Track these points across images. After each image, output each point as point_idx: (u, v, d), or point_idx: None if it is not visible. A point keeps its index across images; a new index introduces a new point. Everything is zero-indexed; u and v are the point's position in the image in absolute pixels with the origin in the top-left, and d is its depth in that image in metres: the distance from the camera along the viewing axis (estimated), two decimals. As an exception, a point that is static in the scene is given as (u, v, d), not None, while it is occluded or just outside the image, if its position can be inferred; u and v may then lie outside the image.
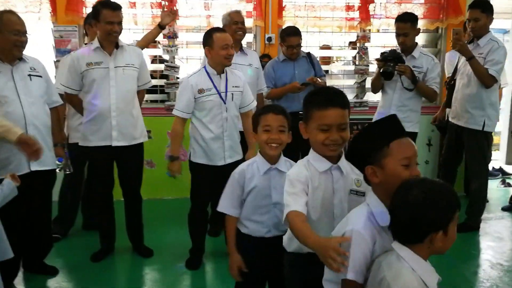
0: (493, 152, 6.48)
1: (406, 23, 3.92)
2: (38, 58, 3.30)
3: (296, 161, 2.00)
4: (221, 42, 3.23)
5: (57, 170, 3.36)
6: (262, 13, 4.88)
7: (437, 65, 4.02)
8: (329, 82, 5.23)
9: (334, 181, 1.85)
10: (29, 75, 3.06)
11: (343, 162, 1.86)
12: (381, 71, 3.94)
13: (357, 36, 5.09)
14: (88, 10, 4.45)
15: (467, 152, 4.25)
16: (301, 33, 4.46)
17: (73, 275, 3.42)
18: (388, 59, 3.88)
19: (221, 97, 3.31)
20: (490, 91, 3.99)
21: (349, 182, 1.87)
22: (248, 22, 4.90)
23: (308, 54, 4.61)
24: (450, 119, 4.36)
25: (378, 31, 5.44)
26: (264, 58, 4.83)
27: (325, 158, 1.84)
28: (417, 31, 4.00)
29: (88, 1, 4.68)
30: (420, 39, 5.43)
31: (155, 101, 5.10)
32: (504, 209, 4.77)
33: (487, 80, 3.90)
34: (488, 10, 3.96)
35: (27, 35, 3.04)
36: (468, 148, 4.18)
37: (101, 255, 3.61)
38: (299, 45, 4.41)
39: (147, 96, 4.93)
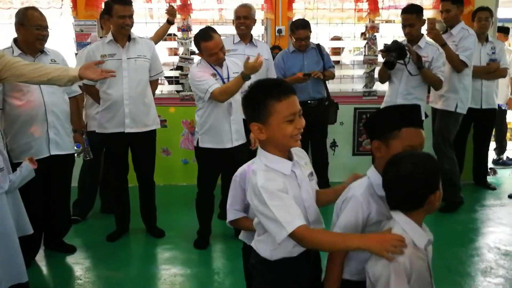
0: (508, 142, 6.56)
1: (411, 14, 4.05)
2: (60, 50, 3.56)
3: None
4: (208, 51, 3.39)
5: (76, 155, 3.61)
6: (273, 6, 5.04)
7: (442, 54, 4.11)
8: (339, 72, 5.36)
9: (298, 178, 1.76)
10: None
11: (293, 155, 1.78)
12: (384, 61, 4.06)
13: (366, 27, 5.20)
14: (106, 5, 4.69)
15: (437, 132, 4.50)
16: (310, 25, 4.61)
17: (90, 253, 3.67)
18: (391, 50, 3.99)
19: (224, 83, 3.48)
20: (462, 76, 4.33)
21: (303, 170, 1.80)
22: (260, 15, 5.07)
23: (318, 45, 4.76)
24: (429, 104, 4.59)
25: (388, 21, 5.53)
26: (275, 49, 4.98)
27: (282, 158, 1.72)
28: (423, 22, 4.11)
29: (106, -4, 4.92)
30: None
31: (171, 92, 5.32)
32: (510, 196, 4.82)
33: (458, 65, 4.27)
34: (458, 2, 4.37)
35: (48, 29, 3.28)
36: (439, 128, 4.46)
37: (116, 235, 3.86)
38: (308, 38, 4.56)
39: (163, 87, 5.18)
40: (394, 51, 3.98)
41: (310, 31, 4.59)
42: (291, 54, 4.69)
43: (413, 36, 4.09)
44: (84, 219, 4.28)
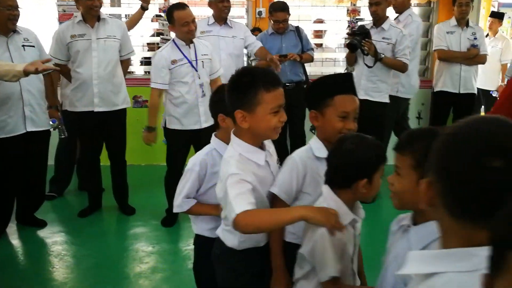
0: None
1: None
2: (44, 31, 3.65)
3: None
4: (181, 20, 3.45)
5: (51, 130, 3.71)
6: (253, -13, 5.04)
7: (406, 37, 4.13)
8: (321, 55, 5.38)
9: (271, 167, 1.78)
10: (23, 45, 3.41)
11: (264, 144, 1.77)
12: (347, 43, 4.10)
13: (347, 10, 5.19)
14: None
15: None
16: (289, 8, 4.62)
17: (60, 228, 3.78)
18: (356, 33, 4.02)
19: (192, 65, 3.54)
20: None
21: (274, 158, 1.84)
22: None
23: (297, 28, 4.77)
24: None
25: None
26: (255, 31, 5.00)
27: (256, 148, 1.72)
28: (389, 3, 4.15)
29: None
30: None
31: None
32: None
33: (402, 68, 4.17)
34: None
35: (19, 9, 3.35)
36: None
37: (88, 211, 3.96)
38: (286, 20, 4.57)
39: (145, 68, 5.24)
40: (359, 35, 4.00)
41: (289, 14, 4.60)
42: (269, 36, 4.71)
43: (379, 16, 4.13)
44: (61, 196, 4.38)
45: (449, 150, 0.85)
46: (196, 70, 3.54)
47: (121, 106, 3.81)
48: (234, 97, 1.68)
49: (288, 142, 4.99)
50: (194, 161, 2.03)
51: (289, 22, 4.87)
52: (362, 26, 4.09)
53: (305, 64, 5.04)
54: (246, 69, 1.73)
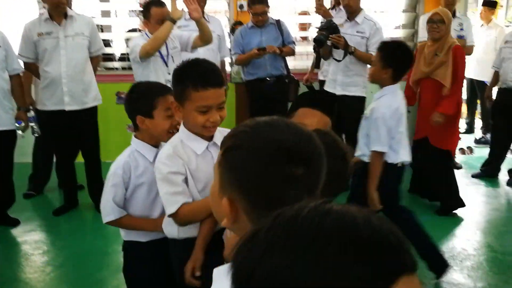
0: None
1: None
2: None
3: None
4: (157, 17, 3.39)
5: (19, 132, 3.70)
6: (234, -20, 4.96)
7: (379, 30, 4.02)
8: (306, 49, 5.28)
9: (214, 158, 1.71)
10: None
11: (217, 135, 1.74)
12: (313, 38, 3.99)
13: (331, 2, 5.08)
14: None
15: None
16: (268, 0, 4.55)
17: (34, 227, 3.78)
18: (323, 28, 3.92)
19: (164, 60, 3.48)
20: None
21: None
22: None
23: (278, 21, 4.69)
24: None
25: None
26: (236, 25, 4.93)
27: (199, 137, 1.72)
28: None
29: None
30: (399, 3, 5.36)
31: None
32: (474, 176, 4.74)
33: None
34: None
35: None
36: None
37: (62, 210, 3.95)
38: (265, 13, 4.50)
39: (123, 64, 5.20)
40: (325, 30, 3.90)
41: (268, 6, 4.53)
42: (249, 30, 4.64)
43: (352, 8, 4.02)
44: (40, 194, 4.38)
45: (242, 163, 0.83)
46: (167, 65, 3.48)
47: (91, 104, 3.78)
48: (173, 87, 1.74)
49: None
50: (117, 165, 1.94)
51: (273, 14, 4.81)
52: (329, 21, 3.98)
53: (289, 58, 4.98)
54: (189, 62, 1.70)
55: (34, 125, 3.88)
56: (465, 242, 3.41)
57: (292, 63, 5.27)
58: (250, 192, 0.82)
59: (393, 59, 2.69)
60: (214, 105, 1.64)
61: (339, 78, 4.09)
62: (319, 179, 0.84)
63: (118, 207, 1.93)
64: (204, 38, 3.47)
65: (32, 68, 3.76)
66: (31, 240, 3.55)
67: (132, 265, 2.04)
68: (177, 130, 1.80)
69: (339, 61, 4.02)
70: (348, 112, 4.05)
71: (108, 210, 1.93)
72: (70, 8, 4.04)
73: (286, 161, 0.80)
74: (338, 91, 4.13)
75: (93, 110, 3.82)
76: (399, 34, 5.53)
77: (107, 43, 5.25)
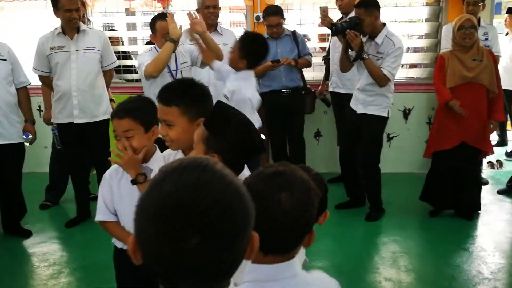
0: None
1: (360, 9, 3.74)
2: None
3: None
4: (162, 31, 3.37)
5: (27, 144, 3.75)
6: (251, -8, 4.93)
7: (396, 50, 3.73)
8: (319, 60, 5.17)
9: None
10: None
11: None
12: (330, 24, 3.83)
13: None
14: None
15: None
16: (283, 11, 4.50)
17: (45, 238, 3.81)
18: (346, 21, 3.78)
19: (172, 75, 3.45)
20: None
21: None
22: (240, 2, 5.00)
23: (293, 32, 4.63)
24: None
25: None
26: (253, 37, 4.88)
27: None
28: (374, 17, 3.73)
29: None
30: (422, 13, 5.21)
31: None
32: (499, 192, 4.52)
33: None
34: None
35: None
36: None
37: (74, 222, 3.98)
38: (279, 25, 4.45)
39: (135, 76, 5.23)
40: (347, 23, 3.75)
41: (283, 18, 4.47)
42: (265, 42, 4.59)
43: (364, 32, 3.76)
44: (56, 205, 4.44)
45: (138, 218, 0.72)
46: None
47: (102, 117, 3.80)
48: None
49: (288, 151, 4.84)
50: (110, 169, 2.04)
51: (292, 25, 4.75)
52: (355, 17, 3.76)
53: (308, 69, 4.90)
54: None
55: (56, 136, 3.95)
56: (482, 264, 3.22)
57: (311, 74, 5.20)
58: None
59: (248, 52, 2.98)
60: (161, 120, 1.83)
61: (361, 97, 3.93)
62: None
63: (108, 210, 2.00)
64: (211, 55, 3.40)
65: (47, 82, 3.83)
66: (40, 252, 3.58)
67: (118, 272, 2.12)
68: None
69: (352, 61, 3.86)
70: (366, 130, 3.95)
71: (99, 210, 2.02)
72: (85, 22, 4.11)
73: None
74: (360, 110, 3.98)
75: (104, 123, 3.84)
76: (422, 44, 5.38)
77: (128, 56, 5.34)
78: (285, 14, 4.55)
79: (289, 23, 4.95)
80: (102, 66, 3.80)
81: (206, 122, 1.53)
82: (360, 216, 4.03)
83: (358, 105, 3.98)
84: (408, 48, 5.56)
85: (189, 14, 3.32)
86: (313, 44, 5.67)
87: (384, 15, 4.13)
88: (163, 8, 5.02)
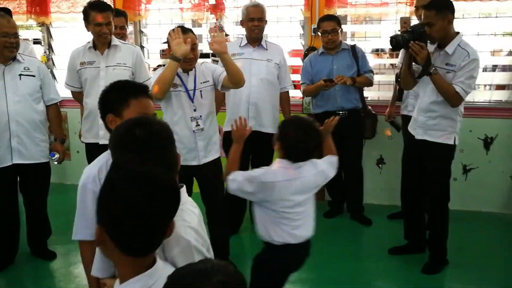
0: None
1: (430, 11, 3.07)
2: None
3: None
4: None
5: (55, 163, 3.59)
6: (309, 3, 4.48)
7: (472, 63, 3.04)
8: (390, 79, 4.58)
9: None
10: (20, 74, 3.31)
11: None
12: (390, 37, 3.17)
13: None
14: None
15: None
16: (340, 20, 4.03)
17: (69, 261, 3.63)
18: (407, 31, 3.12)
19: (189, 95, 3.10)
20: None
21: None
22: (298, 14, 4.60)
23: (353, 47, 4.12)
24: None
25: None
26: (310, 51, 4.43)
27: None
28: (447, 20, 3.06)
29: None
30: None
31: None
32: None
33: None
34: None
35: (18, 36, 3.27)
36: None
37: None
38: (335, 31, 3.96)
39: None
40: (410, 33, 3.08)
41: (339, 25, 3.99)
42: (319, 57, 4.14)
43: (434, 38, 3.14)
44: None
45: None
46: (192, 101, 3.11)
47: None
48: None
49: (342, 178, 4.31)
50: (86, 177, 1.80)
51: (350, 40, 4.24)
52: (418, 25, 3.16)
53: (370, 88, 4.36)
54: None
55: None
56: None
57: (376, 94, 4.63)
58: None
59: None
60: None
61: (421, 119, 3.29)
62: None
63: (86, 227, 1.76)
64: (232, 79, 2.98)
65: (78, 98, 3.66)
66: (57, 276, 3.44)
67: None
68: None
69: (416, 78, 3.25)
70: (428, 160, 3.33)
71: (76, 229, 1.85)
72: (124, 39, 3.91)
73: None
74: (419, 135, 3.35)
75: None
76: (511, 61, 4.59)
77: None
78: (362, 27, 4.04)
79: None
80: (135, 84, 3.55)
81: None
82: (417, 266, 3.40)
83: (417, 129, 3.36)
84: (495, 66, 4.77)
85: (210, 30, 2.94)
86: (383, 60, 5.10)
87: (465, 27, 3.43)
88: (216, 20, 4.72)
